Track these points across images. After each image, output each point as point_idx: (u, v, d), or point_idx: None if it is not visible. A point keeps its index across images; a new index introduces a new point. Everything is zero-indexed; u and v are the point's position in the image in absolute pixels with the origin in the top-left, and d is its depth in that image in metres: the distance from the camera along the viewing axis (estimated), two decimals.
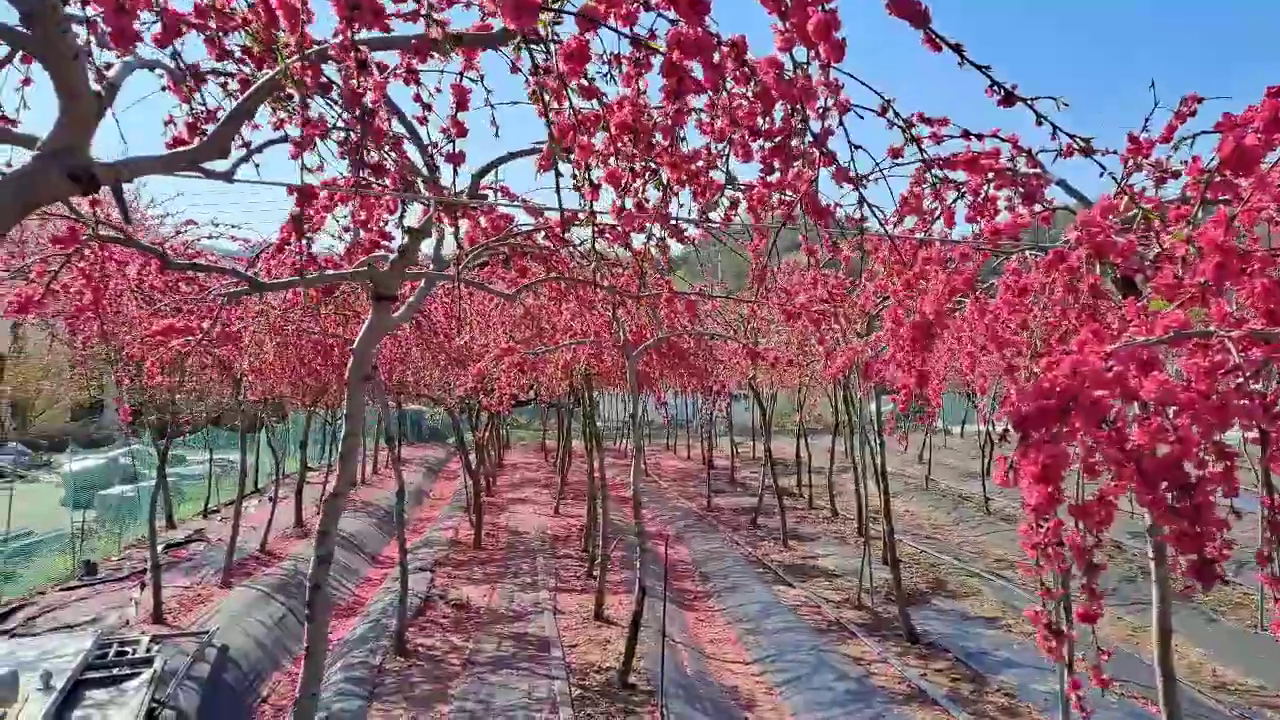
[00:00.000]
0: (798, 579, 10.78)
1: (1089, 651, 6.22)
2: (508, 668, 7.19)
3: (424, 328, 7.81)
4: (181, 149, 2.47)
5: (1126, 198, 2.94)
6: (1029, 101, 2.35)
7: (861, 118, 2.56)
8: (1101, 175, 2.79)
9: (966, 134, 3.35)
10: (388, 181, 3.42)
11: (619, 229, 4.36)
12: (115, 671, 6.29)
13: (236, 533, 10.27)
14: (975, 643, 8.15)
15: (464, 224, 4.85)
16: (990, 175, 3.74)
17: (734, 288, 10.41)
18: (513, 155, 4.13)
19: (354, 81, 2.30)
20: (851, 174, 2.76)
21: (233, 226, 7.39)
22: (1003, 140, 3.53)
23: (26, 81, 2.74)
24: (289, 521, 13.71)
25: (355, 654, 7.48)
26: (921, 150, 3.14)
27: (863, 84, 2.36)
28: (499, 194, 4.79)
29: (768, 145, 2.62)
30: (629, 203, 2.97)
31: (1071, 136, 2.63)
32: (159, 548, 11.77)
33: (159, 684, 6.19)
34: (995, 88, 2.33)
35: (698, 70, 2.16)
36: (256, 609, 8.82)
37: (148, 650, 6.79)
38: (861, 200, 3.15)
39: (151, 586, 8.30)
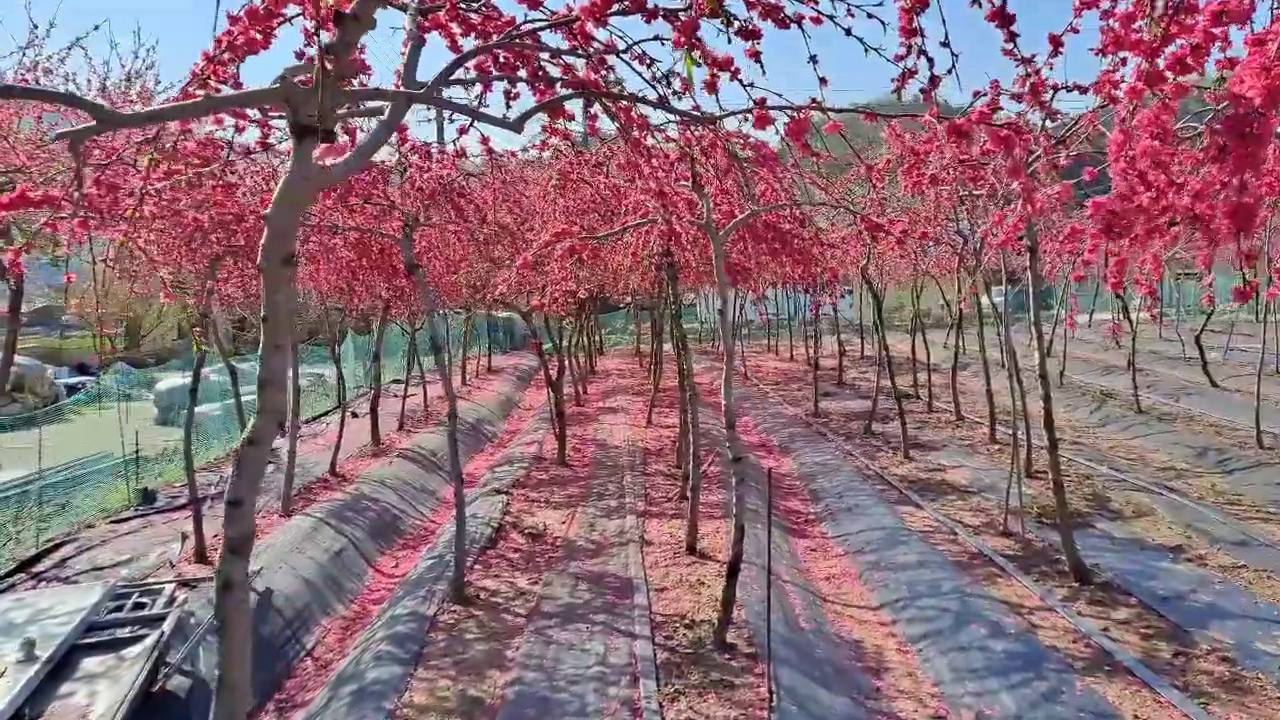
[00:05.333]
0: (925, 497, 9.24)
1: None
2: (581, 620, 6.00)
3: (463, 210, 6.37)
4: None
5: None
6: None
7: None
8: None
9: None
10: None
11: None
12: (120, 633, 5.37)
13: (294, 459, 9.37)
14: (1163, 582, 6.49)
15: (467, 42, 3.36)
16: None
17: (834, 182, 8.60)
18: None
19: None
20: None
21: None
22: None
23: None
24: (367, 439, 12.96)
25: (406, 602, 6.42)
26: None
27: None
28: None
29: None
30: None
31: None
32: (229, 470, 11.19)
33: (168, 646, 5.24)
34: None
35: None
36: (311, 542, 7.91)
37: (169, 601, 5.88)
38: None
39: (194, 520, 7.44)
